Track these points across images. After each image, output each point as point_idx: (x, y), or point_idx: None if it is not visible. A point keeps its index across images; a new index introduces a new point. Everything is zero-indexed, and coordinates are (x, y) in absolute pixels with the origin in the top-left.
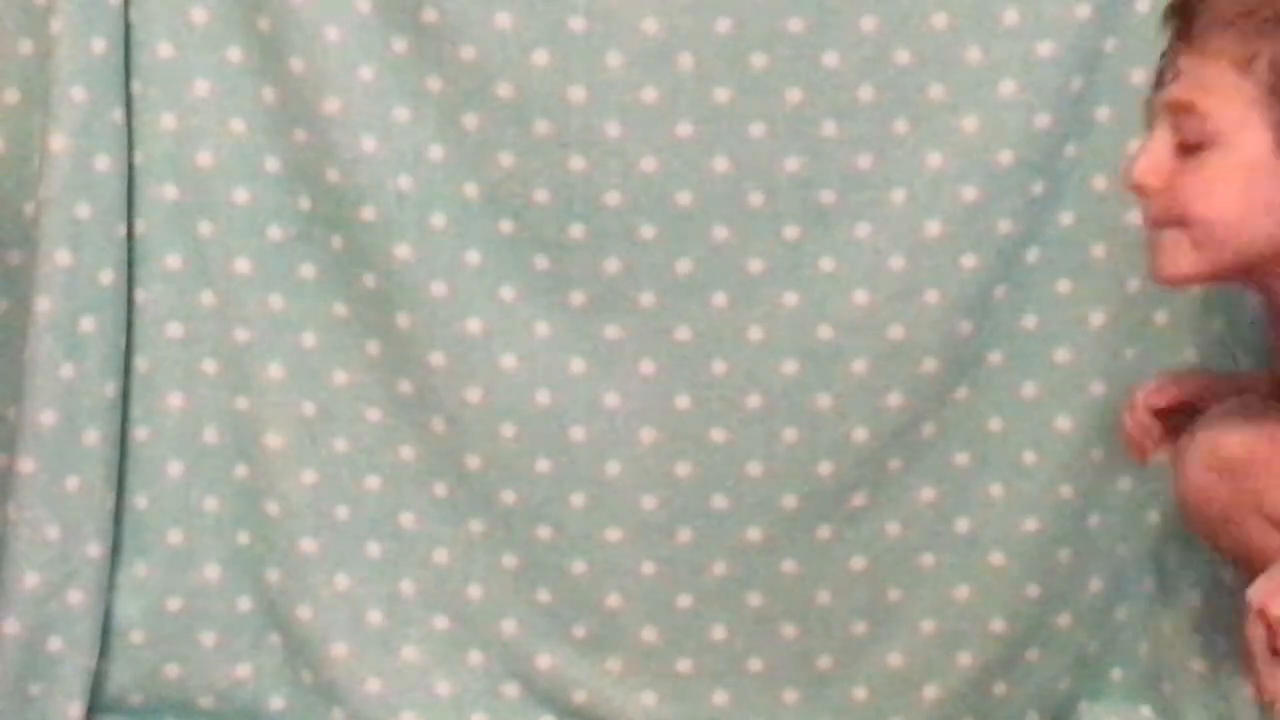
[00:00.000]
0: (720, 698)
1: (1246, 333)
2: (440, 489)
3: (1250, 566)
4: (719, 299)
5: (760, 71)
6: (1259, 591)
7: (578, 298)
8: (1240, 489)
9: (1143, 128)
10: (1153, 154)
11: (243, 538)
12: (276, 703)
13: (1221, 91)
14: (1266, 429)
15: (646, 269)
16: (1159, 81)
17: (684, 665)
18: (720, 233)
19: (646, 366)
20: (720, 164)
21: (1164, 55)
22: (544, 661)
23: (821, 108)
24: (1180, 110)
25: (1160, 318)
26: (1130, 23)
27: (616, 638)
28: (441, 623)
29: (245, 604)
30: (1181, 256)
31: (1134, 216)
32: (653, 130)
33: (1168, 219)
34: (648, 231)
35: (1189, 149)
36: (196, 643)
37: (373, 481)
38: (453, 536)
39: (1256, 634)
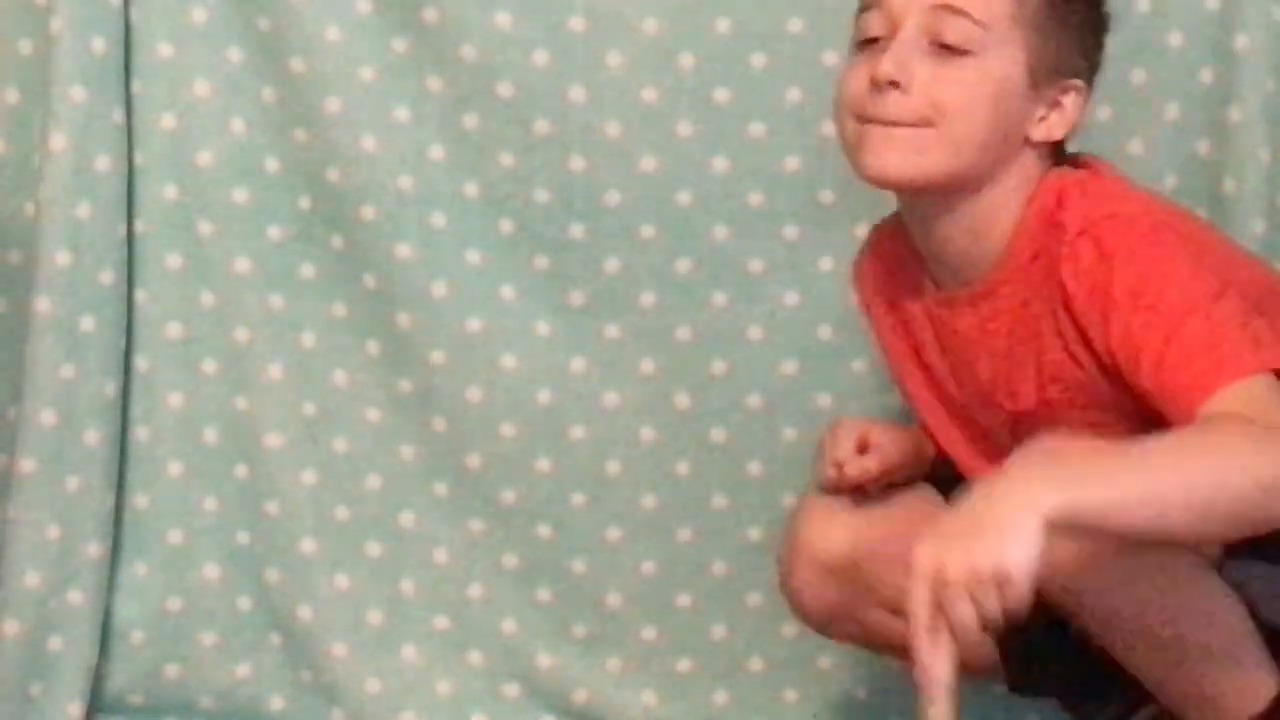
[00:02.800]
0: (720, 697)
1: None
2: (440, 489)
3: (874, 648)
4: (719, 299)
5: (760, 71)
6: (924, 553)
7: (578, 298)
8: (853, 588)
9: (863, 31)
10: (904, 51)
11: (243, 538)
12: (276, 703)
13: (995, 6)
14: (871, 517)
15: (646, 269)
16: None
17: (684, 664)
18: (720, 233)
19: (646, 366)
20: (720, 164)
21: None
22: (544, 661)
23: (821, 108)
24: (950, 13)
25: None
26: (1130, 23)
27: (616, 637)
28: (441, 623)
29: (245, 604)
30: (923, 156)
31: None
32: (653, 130)
33: (916, 117)
34: (648, 231)
35: (947, 51)
36: (196, 643)
37: (373, 481)
38: (453, 536)
39: (920, 599)
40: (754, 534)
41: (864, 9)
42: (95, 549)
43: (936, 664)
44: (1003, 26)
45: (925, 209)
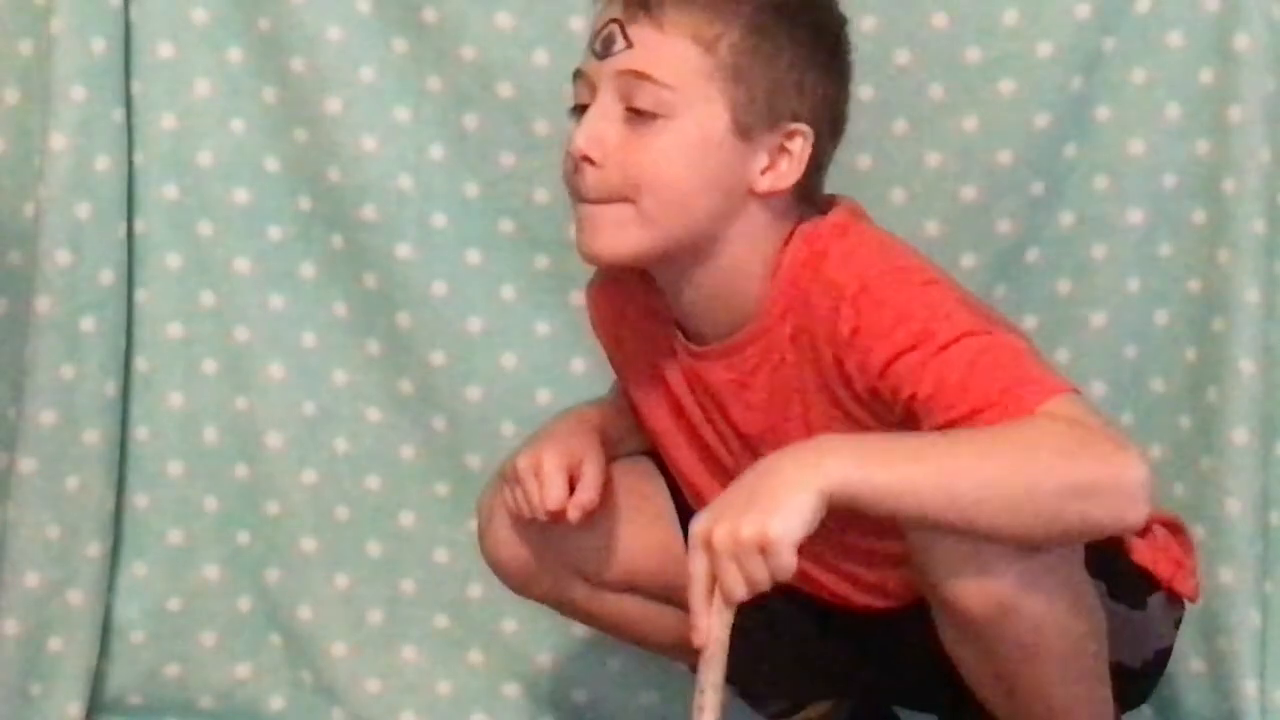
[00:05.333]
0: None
1: (1247, 332)
2: (440, 489)
3: (571, 615)
4: None
5: None
6: (699, 521)
7: (578, 297)
8: (549, 549)
9: (575, 98)
10: (596, 125)
11: (243, 538)
12: (276, 703)
13: (683, 65)
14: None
15: None
16: (601, 51)
17: (684, 665)
18: None
19: None
20: None
21: (608, 23)
22: (544, 661)
23: None
24: (635, 78)
25: (1160, 318)
26: (1130, 23)
27: None
28: (441, 622)
29: (245, 604)
30: (625, 233)
31: (1134, 216)
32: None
33: (613, 192)
34: None
35: (640, 117)
36: (196, 643)
37: (373, 481)
38: (452, 536)
39: (698, 568)
40: None
41: (575, 76)
42: (95, 549)
43: (711, 627)
44: (694, 84)
45: (663, 274)
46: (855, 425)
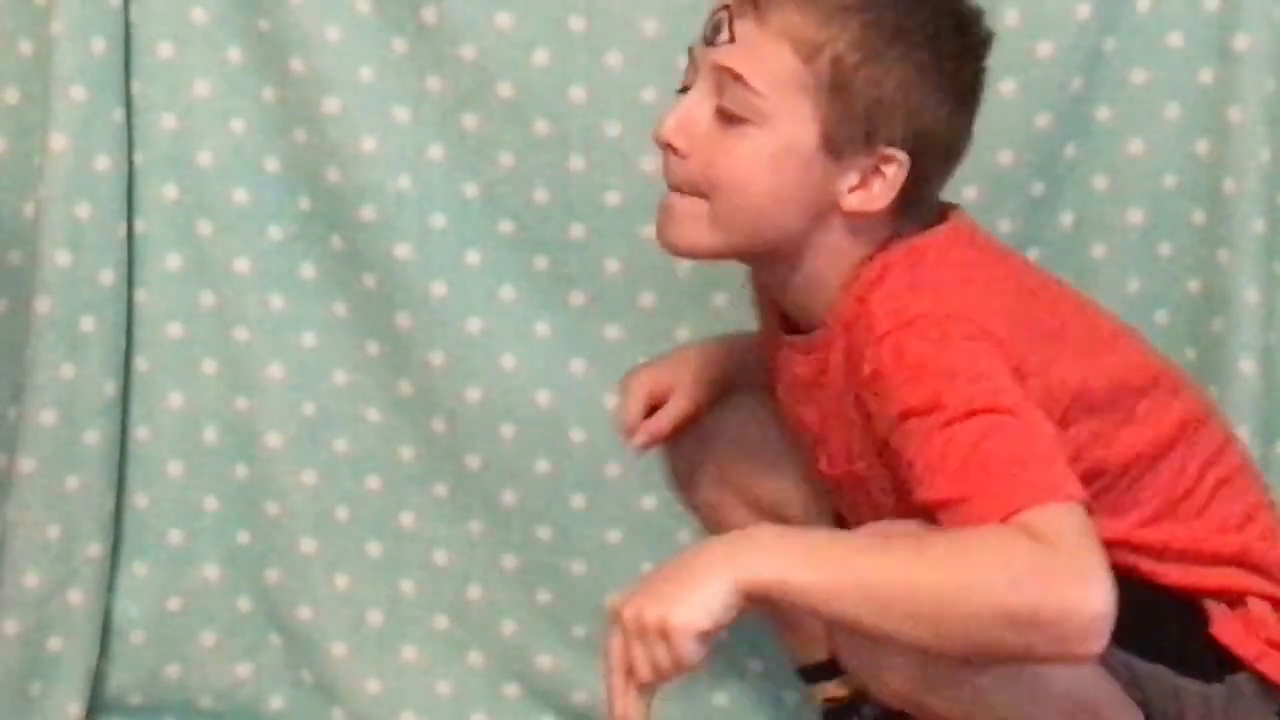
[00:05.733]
0: (720, 698)
1: (1247, 333)
2: (440, 489)
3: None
4: (719, 298)
5: None
6: (619, 599)
7: (578, 298)
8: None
9: (684, 77)
10: (688, 113)
11: (243, 538)
12: (276, 703)
13: (778, 72)
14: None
15: (646, 269)
16: (709, 37)
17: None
18: None
19: None
20: None
21: (720, 9)
22: (544, 661)
23: None
24: (730, 77)
25: (1160, 318)
26: (1130, 23)
27: None
28: (441, 623)
29: (245, 604)
30: (698, 228)
31: (1134, 216)
32: (652, 130)
33: (691, 185)
34: (648, 231)
35: (730, 118)
36: (196, 643)
37: (373, 481)
38: (452, 537)
39: (613, 646)
40: None
41: (688, 53)
42: (95, 549)
43: (624, 705)
44: (787, 94)
45: (749, 264)
46: (878, 459)
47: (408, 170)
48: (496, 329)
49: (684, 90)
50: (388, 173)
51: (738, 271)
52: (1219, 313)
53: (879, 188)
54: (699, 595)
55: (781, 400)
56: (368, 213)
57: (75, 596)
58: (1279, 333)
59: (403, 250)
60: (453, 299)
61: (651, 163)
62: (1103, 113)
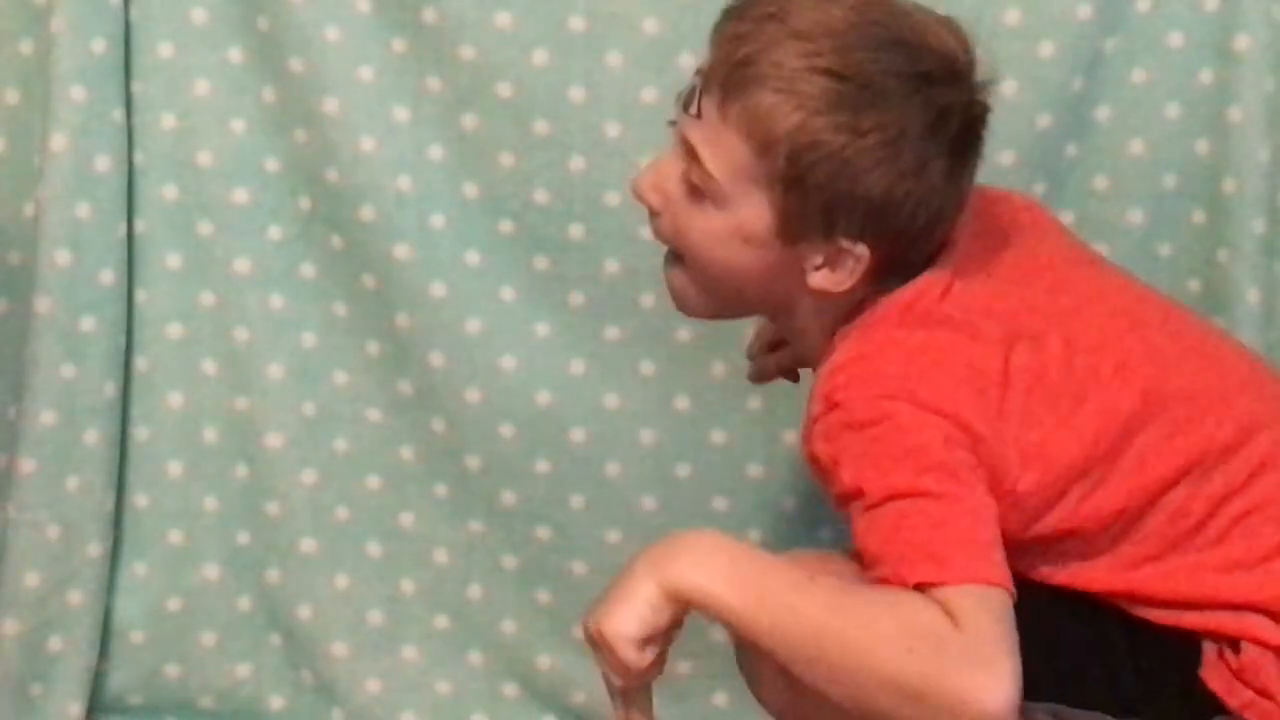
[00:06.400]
0: (720, 698)
1: (1247, 332)
2: (440, 489)
3: None
4: None
5: None
6: (590, 616)
7: (578, 298)
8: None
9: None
10: (660, 172)
11: (243, 538)
12: (276, 703)
13: (733, 161)
14: None
15: (646, 269)
16: (685, 102)
17: (684, 666)
18: None
19: (646, 367)
20: None
21: (696, 74)
22: (544, 661)
23: None
24: (689, 154)
25: None
26: (1130, 23)
27: None
28: (441, 623)
29: (245, 604)
30: (688, 294)
31: (1134, 216)
32: (652, 130)
33: (668, 242)
34: (648, 231)
35: (694, 189)
36: (196, 643)
37: (373, 481)
38: (453, 536)
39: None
40: (753, 536)
41: (676, 98)
42: (95, 549)
43: (611, 712)
44: (740, 182)
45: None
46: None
47: (407, 170)
48: (496, 329)
49: (673, 124)
50: (387, 173)
51: None
52: (1219, 313)
53: (843, 272)
54: (626, 603)
55: None
56: (368, 213)
57: (75, 596)
58: (1279, 332)
59: (402, 250)
60: (452, 299)
61: None
62: (1103, 113)
